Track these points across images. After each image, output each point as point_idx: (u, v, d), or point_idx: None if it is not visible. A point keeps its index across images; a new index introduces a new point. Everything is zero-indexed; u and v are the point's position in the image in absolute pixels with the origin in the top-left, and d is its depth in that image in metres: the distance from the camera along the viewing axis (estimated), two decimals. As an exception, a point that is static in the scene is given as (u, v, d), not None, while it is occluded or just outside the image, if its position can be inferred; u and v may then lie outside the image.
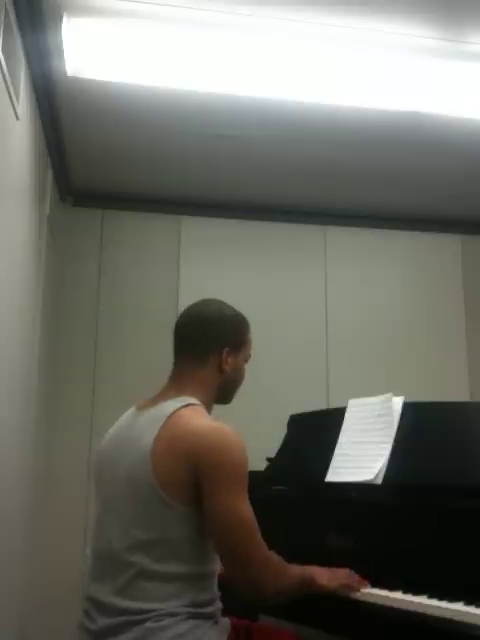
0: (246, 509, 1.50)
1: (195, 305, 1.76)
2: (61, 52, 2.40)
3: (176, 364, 1.72)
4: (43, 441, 3.29)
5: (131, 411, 1.71)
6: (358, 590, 1.64)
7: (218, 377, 1.70)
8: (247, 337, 1.78)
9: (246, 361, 1.79)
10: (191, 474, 1.48)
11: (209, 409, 1.66)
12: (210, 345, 1.70)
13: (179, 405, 1.58)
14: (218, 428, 1.54)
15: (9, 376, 2.34)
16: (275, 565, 1.54)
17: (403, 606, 1.54)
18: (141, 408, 1.66)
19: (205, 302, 1.76)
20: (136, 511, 1.51)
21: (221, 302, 1.77)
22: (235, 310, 1.78)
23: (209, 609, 1.52)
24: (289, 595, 1.58)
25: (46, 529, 3.29)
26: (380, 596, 1.61)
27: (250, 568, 1.49)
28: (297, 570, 1.60)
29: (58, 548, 3.29)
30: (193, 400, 1.61)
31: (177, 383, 1.68)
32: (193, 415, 1.56)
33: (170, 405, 1.58)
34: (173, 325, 1.77)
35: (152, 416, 1.58)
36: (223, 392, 1.73)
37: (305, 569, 1.62)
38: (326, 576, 1.63)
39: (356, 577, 1.67)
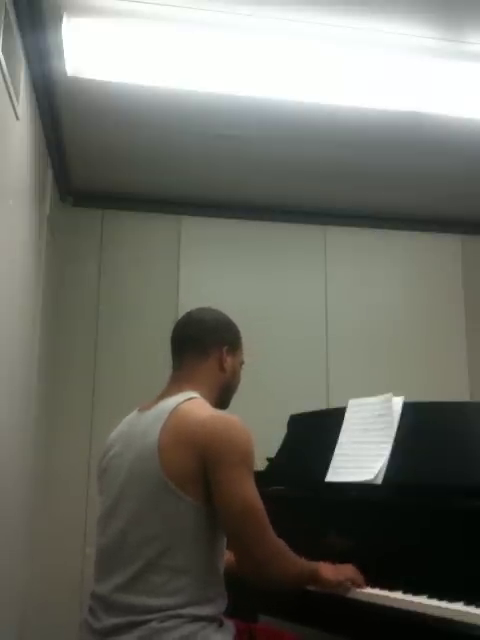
0: (253, 495, 1.51)
1: (189, 312, 1.82)
2: (61, 52, 2.40)
3: (175, 367, 1.75)
4: (43, 441, 3.28)
5: (134, 413, 1.72)
6: (362, 586, 1.65)
7: (220, 375, 1.73)
8: (241, 342, 1.83)
9: (240, 366, 1.82)
10: (199, 464, 1.50)
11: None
12: (210, 341, 1.73)
13: (182, 399, 1.59)
14: (222, 416, 1.56)
15: (9, 376, 2.34)
16: (283, 553, 1.55)
17: (403, 606, 1.55)
18: (143, 409, 1.68)
19: (199, 309, 1.83)
20: (144, 505, 1.52)
21: (213, 308, 1.83)
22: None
23: (214, 611, 1.52)
24: (294, 585, 1.60)
25: (46, 529, 3.29)
26: (380, 596, 1.61)
27: (257, 554, 1.50)
28: (303, 562, 1.62)
29: (58, 548, 3.29)
30: (194, 394, 1.63)
31: (177, 382, 1.70)
32: (195, 407, 1.58)
33: (172, 401, 1.60)
34: (173, 325, 1.79)
35: (155, 414, 1.59)
36: (222, 395, 1.75)
37: (311, 563, 1.63)
38: (331, 571, 1.64)
39: (359, 574, 1.68)
